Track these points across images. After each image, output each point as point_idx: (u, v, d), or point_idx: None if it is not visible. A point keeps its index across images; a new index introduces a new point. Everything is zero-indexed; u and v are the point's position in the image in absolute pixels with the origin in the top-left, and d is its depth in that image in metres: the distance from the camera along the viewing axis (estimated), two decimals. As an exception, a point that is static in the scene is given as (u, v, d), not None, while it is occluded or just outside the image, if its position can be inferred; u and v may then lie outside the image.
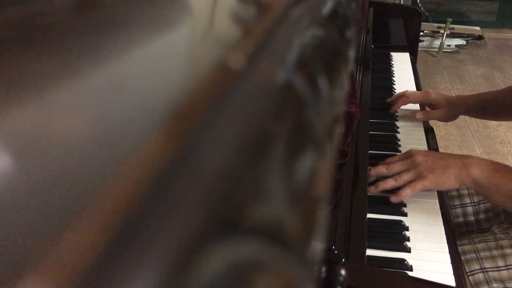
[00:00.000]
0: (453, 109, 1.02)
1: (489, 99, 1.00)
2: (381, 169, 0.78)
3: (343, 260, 0.43)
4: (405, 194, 0.74)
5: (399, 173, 0.76)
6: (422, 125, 1.04)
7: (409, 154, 0.78)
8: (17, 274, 0.08)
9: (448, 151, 2.03)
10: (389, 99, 1.10)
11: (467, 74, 2.88)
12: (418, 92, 1.09)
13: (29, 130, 0.13)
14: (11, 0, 0.24)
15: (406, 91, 1.09)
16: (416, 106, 1.08)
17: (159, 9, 0.27)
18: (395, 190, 0.76)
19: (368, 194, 0.76)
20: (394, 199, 0.74)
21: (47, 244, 0.09)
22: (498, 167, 0.72)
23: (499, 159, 1.99)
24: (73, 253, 0.08)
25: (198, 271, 0.10)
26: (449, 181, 0.73)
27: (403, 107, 1.07)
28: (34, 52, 0.18)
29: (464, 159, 0.74)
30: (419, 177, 0.74)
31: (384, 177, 0.79)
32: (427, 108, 1.07)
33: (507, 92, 0.98)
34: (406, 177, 0.75)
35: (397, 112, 1.08)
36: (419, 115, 1.03)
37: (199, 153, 0.12)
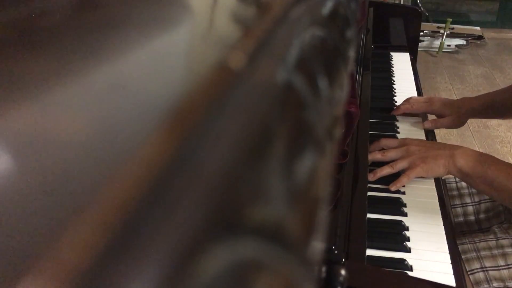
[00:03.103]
0: (460, 115, 1.01)
1: (496, 99, 0.99)
2: (377, 155, 0.84)
3: (343, 260, 0.43)
4: (403, 182, 0.80)
5: (394, 160, 0.82)
6: (422, 125, 1.03)
7: (404, 143, 0.85)
8: (17, 274, 0.08)
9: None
10: (393, 112, 1.07)
11: (467, 74, 2.88)
12: (421, 99, 1.07)
13: (29, 130, 0.13)
14: (11, 0, 0.24)
15: (411, 97, 1.08)
16: (419, 112, 1.07)
17: (159, 9, 0.27)
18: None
19: (368, 194, 0.76)
20: (393, 187, 0.80)
21: (47, 244, 0.09)
22: (483, 158, 0.77)
23: (499, 159, 1.98)
24: (73, 253, 0.08)
25: (198, 271, 0.10)
26: (438, 170, 0.79)
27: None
28: (34, 52, 0.18)
29: (453, 149, 0.79)
30: (412, 165, 0.80)
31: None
32: (433, 116, 1.06)
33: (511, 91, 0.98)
34: (401, 164, 0.81)
35: None
36: (428, 124, 1.02)
37: (199, 153, 0.12)
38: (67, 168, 0.11)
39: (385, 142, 0.87)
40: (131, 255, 0.09)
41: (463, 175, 0.78)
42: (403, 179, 0.80)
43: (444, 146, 0.83)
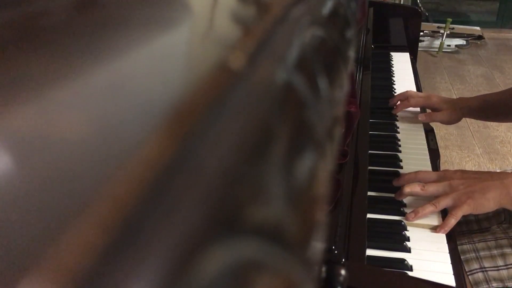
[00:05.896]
0: (456, 111, 1.01)
1: (492, 101, 0.99)
2: (416, 188, 0.74)
3: (343, 260, 0.43)
4: (451, 225, 0.70)
5: (436, 197, 0.74)
6: (422, 125, 1.04)
7: (445, 176, 0.75)
8: (17, 274, 0.08)
9: (448, 151, 2.03)
10: (391, 103, 1.08)
11: (467, 74, 2.88)
12: (420, 94, 1.08)
13: (29, 130, 0.13)
14: (11, 0, 0.24)
15: (409, 90, 1.09)
16: (417, 107, 1.08)
17: (160, 9, 0.27)
18: (396, 190, 0.77)
19: (368, 194, 0.76)
20: (442, 231, 0.71)
21: (47, 244, 0.09)
22: None
23: (499, 159, 1.99)
24: (73, 253, 0.08)
25: (199, 271, 0.10)
26: (488, 205, 0.70)
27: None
28: (34, 52, 0.18)
29: (503, 179, 0.71)
30: (458, 202, 0.71)
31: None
32: (428, 111, 1.07)
33: (510, 93, 0.98)
34: (445, 202, 0.72)
35: None
36: (422, 117, 1.02)
37: (199, 153, 0.12)
38: (68, 168, 0.11)
39: (423, 175, 0.77)
40: (132, 255, 0.09)
41: None
42: (450, 221, 0.70)
43: (491, 175, 0.73)
